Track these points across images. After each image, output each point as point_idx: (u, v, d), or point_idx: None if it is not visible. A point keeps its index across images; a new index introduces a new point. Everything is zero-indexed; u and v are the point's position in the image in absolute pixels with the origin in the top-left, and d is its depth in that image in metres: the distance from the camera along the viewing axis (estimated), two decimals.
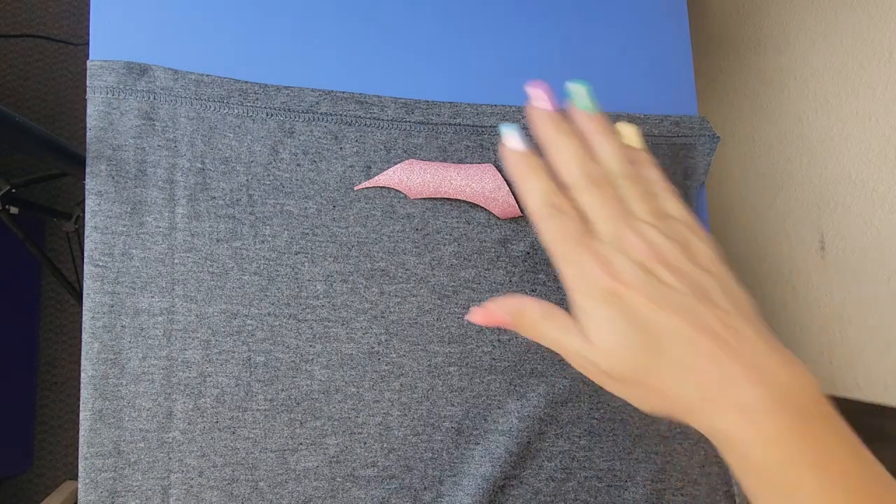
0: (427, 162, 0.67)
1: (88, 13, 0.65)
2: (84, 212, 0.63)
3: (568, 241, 0.48)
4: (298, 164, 0.66)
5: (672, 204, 0.52)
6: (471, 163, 0.68)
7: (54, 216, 1.65)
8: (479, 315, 0.52)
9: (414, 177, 0.67)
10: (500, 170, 0.68)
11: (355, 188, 0.65)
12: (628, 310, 0.45)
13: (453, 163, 0.68)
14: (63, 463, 1.96)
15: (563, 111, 0.54)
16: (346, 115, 0.67)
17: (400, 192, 0.67)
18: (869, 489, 0.43)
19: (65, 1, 2.08)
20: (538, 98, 0.54)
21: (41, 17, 2.07)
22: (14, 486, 1.92)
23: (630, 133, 0.56)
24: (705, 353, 0.44)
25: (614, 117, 0.73)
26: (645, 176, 0.53)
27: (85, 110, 0.64)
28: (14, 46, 2.04)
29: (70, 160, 1.12)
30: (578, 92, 0.54)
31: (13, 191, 1.43)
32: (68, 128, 2.05)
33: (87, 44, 0.64)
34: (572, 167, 0.50)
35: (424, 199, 0.68)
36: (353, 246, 0.65)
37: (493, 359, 0.68)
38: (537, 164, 0.51)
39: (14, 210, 1.47)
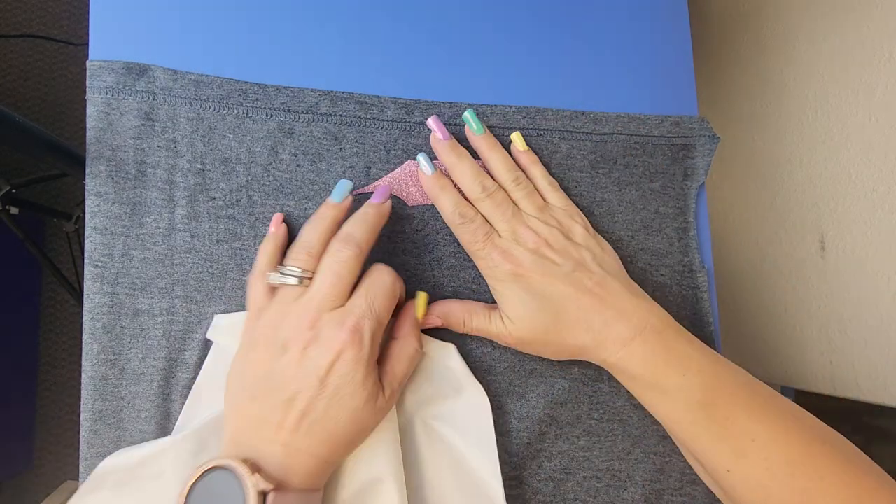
0: (417, 163, 0.67)
1: (88, 13, 0.65)
2: (84, 212, 0.63)
3: (477, 241, 0.63)
4: (298, 165, 0.66)
5: (554, 194, 0.69)
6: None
7: (54, 216, 1.65)
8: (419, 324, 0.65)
9: (411, 183, 0.67)
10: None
11: (353, 193, 0.64)
12: (528, 286, 0.62)
13: None
14: (63, 463, 1.96)
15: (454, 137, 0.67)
16: (345, 116, 0.67)
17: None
18: (714, 372, 0.60)
19: (65, 1, 2.08)
20: (436, 131, 0.66)
21: (41, 17, 2.07)
22: (14, 486, 1.92)
23: (517, 139, 0.70)
24: (588, 308, 0.62)
25: (615, 117, 0.73)
26: (533, 174, 0.70)
27: (85, 110, 0.64)
28: (14, 46, 2.04)
29: (70, 160, 1.12)
30: (469, 118, 0.68)
31: (13, 191, 1.43)
32: (68, 128, 2.04)
33: (87, 44, 0.64)
34: (470, 184, 0.65)
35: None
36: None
37: (493, 359, 0.68)
38: (446, 183, 0.66)
39: (14, 210, 1.47)
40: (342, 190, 0.63)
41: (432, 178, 0.65)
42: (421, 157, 0.66)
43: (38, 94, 2.05)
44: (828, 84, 0.92)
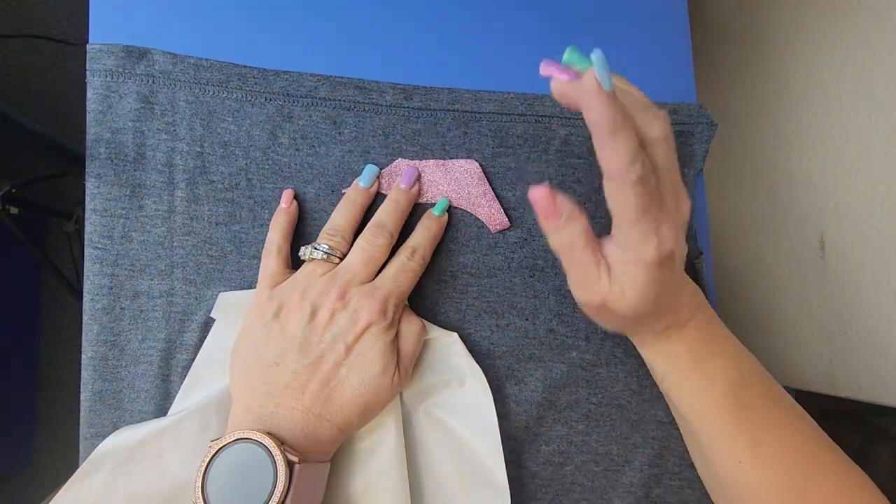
0: (414, 162, 0.67)
1: (88, 13, 0.65)
2: (84, 212, 0.63)
3: (652, 209, 0.49)
4: (297, 149, 0.66)
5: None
6: (468, 149, 0.69)
7: (54, 216, 1.66)
8: (539, 198, 0.52)
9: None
10: (483, 170, 0.69)
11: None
12: (671, 273, 0.53)
13: (447, 151, 0.69)
14: (63, 462, 1.96)
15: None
16: (344, 101, 0.68)
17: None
18: (743, 356, 0.60)
19: (65, 1, 2.09)
20: (600, 73, 0.45)
21: (41, 17, 2.08)
22: (14, 486, 1.92)
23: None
24: (676, 291, 0.56)
25: None
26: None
27: (85, 110, 0.64)
28: (14, 46, 2.05)
29: (69, 159, 1.13)
30: (602, 63, 0.46)
31: (13, 191, 1.43)
32: (68, 127, 2.04)
33: (87, 43, 0.65)
34: (629, 158, 0.47)
35: None
36: (355, 231, 0.65)
37: (491, 343, 0.68)
38: (625, 117, 0.47)
39: (14, 210, 1.47)
40: (370, 175, 0.65)
41: (613, 104, 0.46)
42: (598, 59, 0.45)
43: (38, 94, 2.05)
44: (828, 84, 0.92)
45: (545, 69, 0.50)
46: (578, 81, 0.46)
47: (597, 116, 0.46)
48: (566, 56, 0.49)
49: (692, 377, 0.59)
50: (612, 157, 0.47)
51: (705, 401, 0.58)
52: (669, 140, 0.51)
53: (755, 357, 0.61)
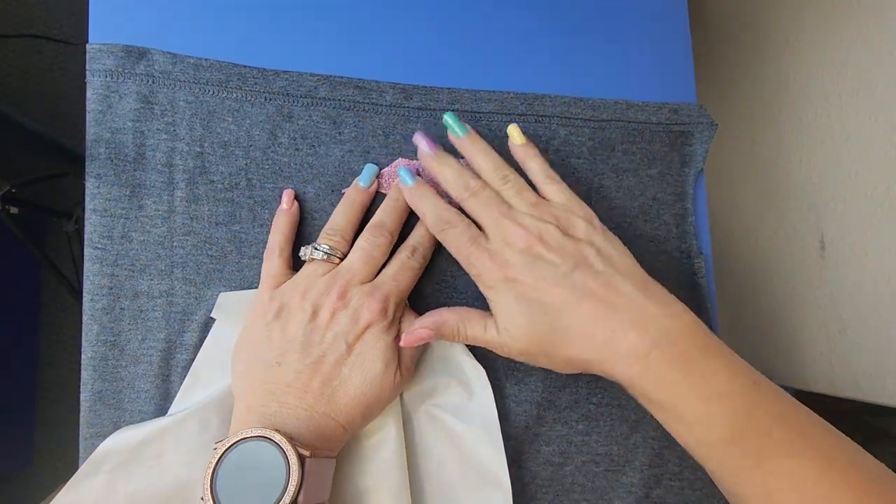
0: (414, 162, 0.67)
1: (88, 13, 0.65)
2: (84, 212, 0.63)
3: (464, 247, 0.59)
4: (297, 149, 0.66)
5: (552, 187, 0.63)
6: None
7: (54, 216, 1.65)
8: (405, 340, 0.60)
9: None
10: None
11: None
12: (521, 293, 0.56)
13: (447, 150, 0.68)
14: (63, 463, 1.96)
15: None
16: (344, 100, 0.68)
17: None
18: (745, 397, 0.52)
19: (65, 1, 2.09)
20: (423, 146, 0.63)
21: (41, 17, 2.08)
22: (14, 486, 1.91)
23: (512, 132, 0.66)
24: (591, 317, 0.54)
25: (613, 104, 0.74)
26: (529, 168, 0.65)
27: (84, 110, 0.64)
28: (14, 46, 2.05)
29: (69, 159, 1.13)
30: (449, 122, 0.64)
31: (13, 191, 1.43)
32: (68, 128, 2.04)
33: (87, 43, 0.65)
34: (454, 185, 0.61)
35: None
36: (356, 230, 0.65)
37: None
38: (425, 191, 0.62)
39: (14, 210, 1.46)
40: (369, 174, 0.66)
41: (411, 189, 0.62)
42: (402, 171, 0.63)
43: (38, 94, 2.05)
44: (828, 84, 0.93)
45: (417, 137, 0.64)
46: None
47: (407, 199, 0.63)
48: (445, 121, 0.65)
49: (671, 423, 0.55)
50: (423, 219, 0.62)
51: (699, 451, 0.54)
52: (480, 198, 0.61)
53: (773, 386, 0.54)
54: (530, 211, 0.60)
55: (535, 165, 0.65)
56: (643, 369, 0.53)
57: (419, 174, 0.67)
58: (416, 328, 0.59)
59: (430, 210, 0.60)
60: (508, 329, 0.57)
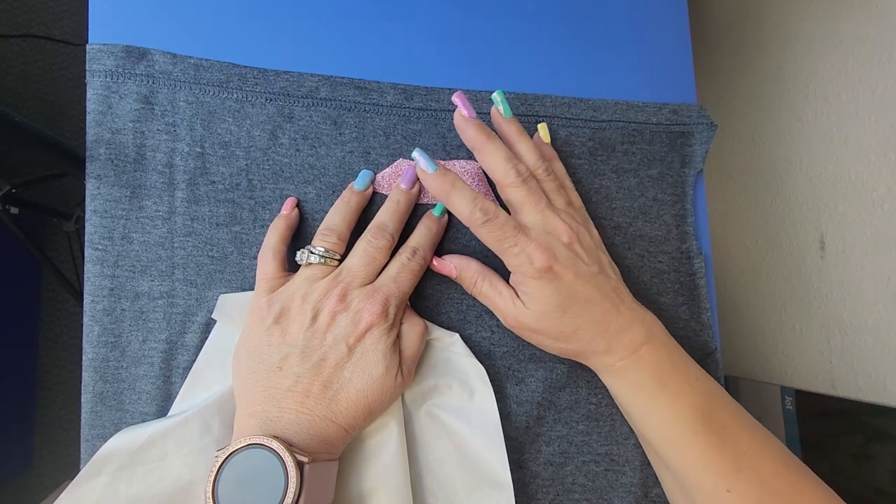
0: (414, 163, 0.67)
1: (88, 13, 0.65)
2: (84, 212, 0.63)
3: (509, 236, 0.58)
4: (298, 150, 0.66)
5: (574, 195, 0.68)
6: (469, 149, 0.68)
7: (54, 216, 1.65)
8: (435, 264, 0.65)
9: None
10: (483, 171, 0.69)
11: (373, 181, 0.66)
12: (560, 285, 0.59)
13: (448, 152, 0.69)
14: (63, 463, 1.96)
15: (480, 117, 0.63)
16: (345, 101, 0.68)
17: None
18: (708, 381, 0.62)
19: (65, 1, 2.09)
20: (461, 108, 0.62)
21: (41, 17, 2.08)
22: (14, 486, 1.91)
23: (543, 131, 0.69)
24: (608, 312, 0.60)
25: (613, 105, 0.74)
26: (555, 169, 0.68)
27: (85, 110, 0.64)
28: (14, 46, 2.05)
29: (69, 159, 1.13)
30: (498, 99, 0.65)
31: (13, 191, 1.43)
32: (68, 128, 2.05)
33: (87, 43, 0.65)
34: (504, 167, 0.60)
35: None
36: (352, 231, 0.65)
37: (492, 344, 0.68)
38: (454, 178, 0.60)
39: (14, 210, 1.47)
40: (365, 178, 0.66)
41: (438, 176, 0.60)
42: (418, 154, 0.61)
43: (38, 94, 2.05)
44: (828, 84, 0.92)
45: (457, 98, 0.62)
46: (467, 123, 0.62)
47: (430, 189, 0.62)
48: (496, 98, 0.65)
49: (659, 400, 0.60)
50: (457, 213, 0.60)
51: (676, 423, 0.59)
52: (528, 186, 0.61)
53: (719, 384, 0.63)
54: (567, 209, 0.64)
55: (560, 168, 0.69)
56: (637, 357, 0.60)
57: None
58: (446, 262, 0.65)
59: (465, 201, 0.59)
60: (532, 310, 0.60)
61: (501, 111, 0.65)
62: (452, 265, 0.64)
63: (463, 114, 0.61)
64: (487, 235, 0.59)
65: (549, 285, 0.59)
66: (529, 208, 0.61)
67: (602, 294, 0.60)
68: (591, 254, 0.62)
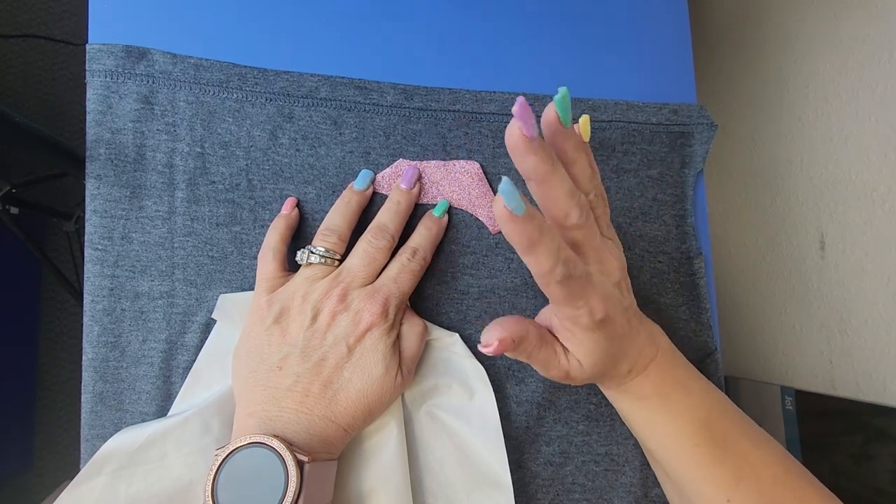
0: (415, 163, 0.68)
1: (88, 13, 0.65)
2: (84, 212, 0.63)
3: (582, 295, 0.50)
4: (298, 150, 0.66)
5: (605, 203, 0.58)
6: (469, 149, 0.69)
7: (54, 216, 1.65)
8: (494, 349, 0.53)
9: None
10: (484, 171, 0.69)
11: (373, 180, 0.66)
12: (611, 332, 0.54)
13: (448, 152, 0.69)
14: (63, 463, 1.96)
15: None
16: (345, 101, 0.68)
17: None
18: (709, 391, 0.60)
19: (65, 1, 2.09)
20: (523, 124, 0.43)
21: (41, 17, 2.08)
22: (14, 486, 1.92)
23: (585, 126, 0.51)
24: (630, 338, 0.57)
25: (613, 105, 0.74)
26: (598, 183, 0.55)
27: (85, 110, 0.64)
28: (14, 46, 2.05)
29: (69, 159, 1.13)
30: (564, 103, 0.46)
31: (13, 191, 1.43)
32: (68, 128, 2.05)
33: (87, 43, 0.65)
34: (567, 203, 0.49)
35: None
36: (352, 232, 0.65)
37: None
38: (542, 223, 0.45)
39: (14, 210, 1.47)
40: (365, 179, 0.65)
41: (526, 221, 0.44)
42: (506, 190, 0.42)
43: (38, 94, 2.05)
44: (828, 84, 0.92)
45: (518, 108, 0.43)
46: (527, 142, 0.45)
47: (512, 236, 0.45)
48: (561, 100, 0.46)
49: (662, 414, 0.59)
50: (535, 266, 0.47)
51: (678, 438, 0.58)
52: (588, 221, 0.52)
53: (721, 391, 0.62)
54: (610, 235, 0.57)
55: (594, 170, 0.55)
56: (644, 377, 0.59)
57: (421, 176, 0.67)
58: (505, 337, 0.53)
59: (552, 252, 0.46)
60: (585, 365, 0.56)
61: (562, 119, 0.47)
62: (510, 341, 0.54)
63: (523, 131, 0.44)
64: (561, 292, 0.49)
65: (602, 333, 0.53)
66: (587, 248, 0.53)
67: (626, 320, 0.55)
68: (626, 282, 0.57)
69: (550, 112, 0.47)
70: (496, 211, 0.44)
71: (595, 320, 0.51)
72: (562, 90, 0.45)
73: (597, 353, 0.55)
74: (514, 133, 0.44)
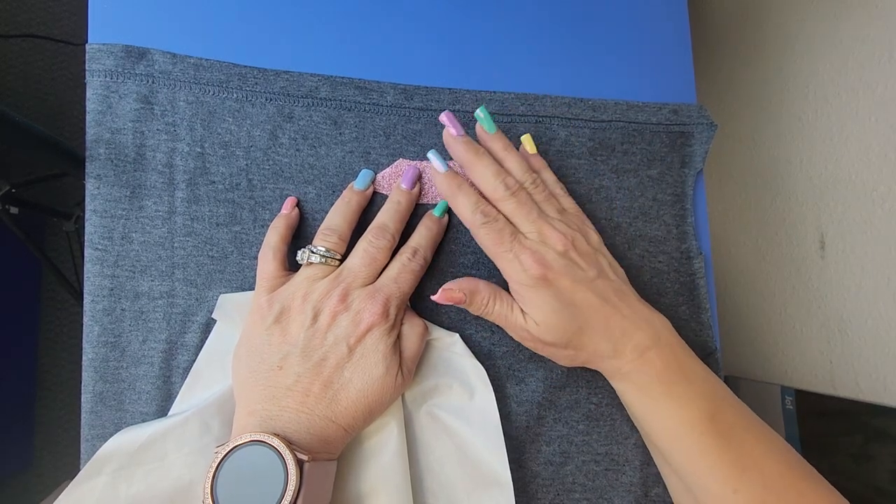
0: (415, 163, 0.68)
1: (88, 13, 0.65)
2: (84, 212, 0.63)
3: (504, 242, 0.60)
4: (298, 150, 0.66)
5: (567, 200, 0.67)
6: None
7: (54, 216, 1.65)
8: (440, 295, 0.61)
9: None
10: None
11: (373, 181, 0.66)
12: (557, 292, 0.59)
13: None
14: (63, 463, 1.96)
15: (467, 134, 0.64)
16: (345, 101, 0.68)
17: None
18: (714, 383, 0.62)
19: (65, 1, 2.09)
20: (449, 127, 0.63)
21: (41, 17, 2.08)
22: (14, 486, 1.91)
23: (527, 142, 0.68)
24: (610, 316, 0.60)
25: (613, 105, 0.74)
26: (545, 178, 0.67)
27: (85, 110, 0.64)
28: (14, 46, 2.05)
29: (69, 159, 1.12)
30: (482, 116, 0.64)
31: (13, 191, 1.43)
32: (68, 128, 2.05)
33: (87, 43, 0.64)
34: (493, 182, 0.61)
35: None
36: (352, 231, 0.65)
37: (492, 344, 0.68)
38: (462, 181, 0.62)
39: (14, 210, 1.47)
40: (365, 178, 0.66)
41: (447, 176, 0.62)
42: (432, 155, 0.63)
43: (38, 94, 2.05)
44: (828, 84, 0.92)
45: (444, 117, 0.63)
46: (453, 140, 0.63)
47: (440, 187, 0.63)
48: (479, 115, 0.65)
49: (665, 402, 0.60)
50: (458, 211, 0.62)
51: (683, 426, 0.59)
52: (518, 198, 0.62)
53: (724, 383, 0.63)
54: (559, 217, 0.63)
55: (549, 177, 0.68)
56: (645, 361, 0.60)
57: (421, 176, 0.67)
58: (454, 289, 0.62)
59: (468, 201, 0.61)
60: (539, 323, 0.60)
61: (485, 128, 0.65)
62: (460, 291, 0.62)
63: (451, 132, 0.63)
64: (485, 238, 0.60)
65: (545, 293, 0.59)
66: (521, 219, 0.61)
67: (602, 298, 0.60)
68: (589, 258, 0.62)
69: (478, 125, 0.65)
70: (431, 170, 0.63)
71: (531, 276, 0.59)
72: (479, 109, 0.64)
73: (546, 311, 0.59)
74: (445, 133, 0.63)
